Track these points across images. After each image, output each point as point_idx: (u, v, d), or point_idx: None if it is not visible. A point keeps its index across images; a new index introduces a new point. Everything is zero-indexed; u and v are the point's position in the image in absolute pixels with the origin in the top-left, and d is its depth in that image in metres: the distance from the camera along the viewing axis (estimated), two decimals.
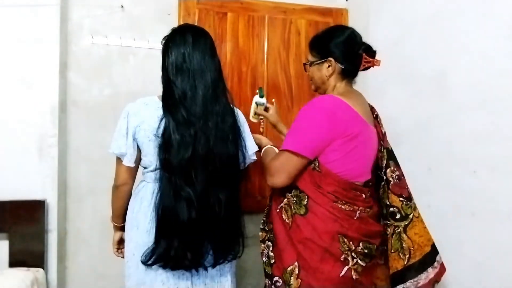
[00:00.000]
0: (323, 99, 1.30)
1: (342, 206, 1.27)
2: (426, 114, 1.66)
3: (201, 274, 1.36)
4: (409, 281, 1.34)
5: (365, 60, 1.34)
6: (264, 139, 1.56)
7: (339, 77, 1.37)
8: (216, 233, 1.32)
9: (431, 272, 1.36)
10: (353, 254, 1.26)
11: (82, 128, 2.02)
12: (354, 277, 1.25)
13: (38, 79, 1.87)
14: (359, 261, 1.26)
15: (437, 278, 1.37)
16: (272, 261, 1.35)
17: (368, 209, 1.33)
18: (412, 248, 1.34)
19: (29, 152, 1.86)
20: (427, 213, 1.62)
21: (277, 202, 1.38)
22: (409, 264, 1.34)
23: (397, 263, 1.34)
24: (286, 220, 1.32)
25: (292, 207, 1.31)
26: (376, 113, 1.44)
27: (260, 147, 1.52)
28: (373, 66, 1.36)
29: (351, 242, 1.26)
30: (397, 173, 1.39)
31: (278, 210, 1.36)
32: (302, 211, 1.28)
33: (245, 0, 2.20)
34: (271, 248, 1.37)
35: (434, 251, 1.38)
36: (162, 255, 1.27)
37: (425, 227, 1.38)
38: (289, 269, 1.27)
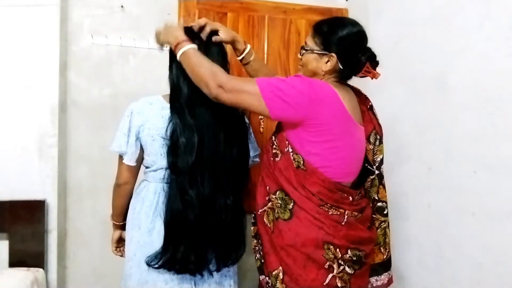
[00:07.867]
0: (320, 82, 1.21)
1: (328, 211, 1.21)
2: (426, 114, 1.65)
3: (205, 275, 1.36)
4: (384, 274, 1.37)
5: (366, 69, 1.24)
6: (178, 31, 1.26)
7: (333, 77, 1.27)
8: (220, 237, 1.32)
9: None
10: (339, 261, 1.20)
11: (82, 128, 2.02)
12: (339, 285, 1.19)
13: (38, 79, 1.87)
14: (346, 268, 1.21)
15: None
16: (262, 260, 1.32)
17: (357, 213, 1.26)
18: (390, 243, 1.38)
19: (29, 152, 1.86)
20: (427, 213, 1.62)
21: (259, 203, 1.31)
22: (387, 258, 1.38)
23: (376, 257, 1.36)
24: (268, 224, 1.27)
25: (276, 211, 1.24)
26: (370, 103, 1.37)
27: (168, 41, 1.27)
28: (371, 78, 1.26)
29: (337, 250, 1.20)
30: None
31: (260, 212, 1.31)
32: (287, 216, 1.22)
33: (245, 0, 2.20)
34: (261, 248, 1.33)
35: None
36: (169, 259, 1.27)
37: None
38: (274, 273, 1.24)
